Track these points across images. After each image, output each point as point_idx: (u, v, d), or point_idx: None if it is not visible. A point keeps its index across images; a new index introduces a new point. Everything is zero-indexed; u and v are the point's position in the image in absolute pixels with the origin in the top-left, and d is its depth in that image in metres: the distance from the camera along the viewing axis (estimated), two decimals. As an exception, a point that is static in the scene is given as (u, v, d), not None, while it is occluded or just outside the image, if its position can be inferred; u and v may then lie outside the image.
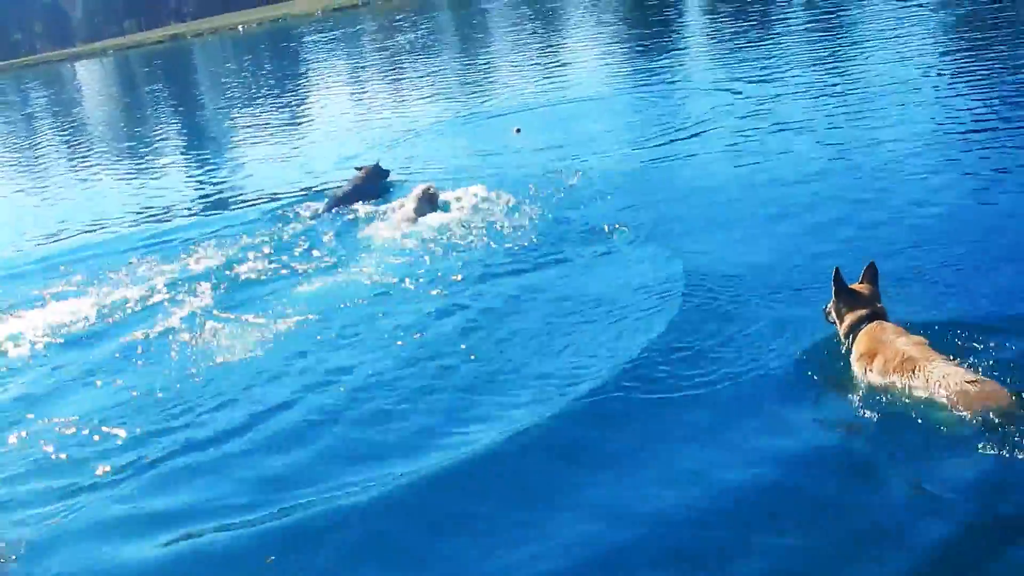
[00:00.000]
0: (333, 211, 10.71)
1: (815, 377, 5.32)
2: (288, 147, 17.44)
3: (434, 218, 9.52)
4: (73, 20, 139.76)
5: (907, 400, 4.66)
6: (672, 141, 11.68)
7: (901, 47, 15.15)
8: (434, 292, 7.58)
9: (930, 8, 19.37)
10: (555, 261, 7.87)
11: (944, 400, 4.50)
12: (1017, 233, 6.82)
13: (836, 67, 14.78)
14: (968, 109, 10.41)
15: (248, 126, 22.12)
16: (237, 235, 10.33)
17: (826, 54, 16.52)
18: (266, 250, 9.48)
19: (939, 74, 12.77)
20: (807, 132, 10.76)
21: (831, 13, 21.62)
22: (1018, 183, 7.80)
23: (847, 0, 23.07)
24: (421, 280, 7.89)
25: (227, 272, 8.93)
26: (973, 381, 4.50)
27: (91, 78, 65.04)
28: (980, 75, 11.99)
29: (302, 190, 12.52)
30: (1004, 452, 4.20)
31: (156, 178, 17.06)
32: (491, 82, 21.35)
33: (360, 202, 10.80)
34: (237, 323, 7.59)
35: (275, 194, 12.69)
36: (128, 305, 8.46)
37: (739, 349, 5.73)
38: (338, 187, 11.47)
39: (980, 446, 4.27)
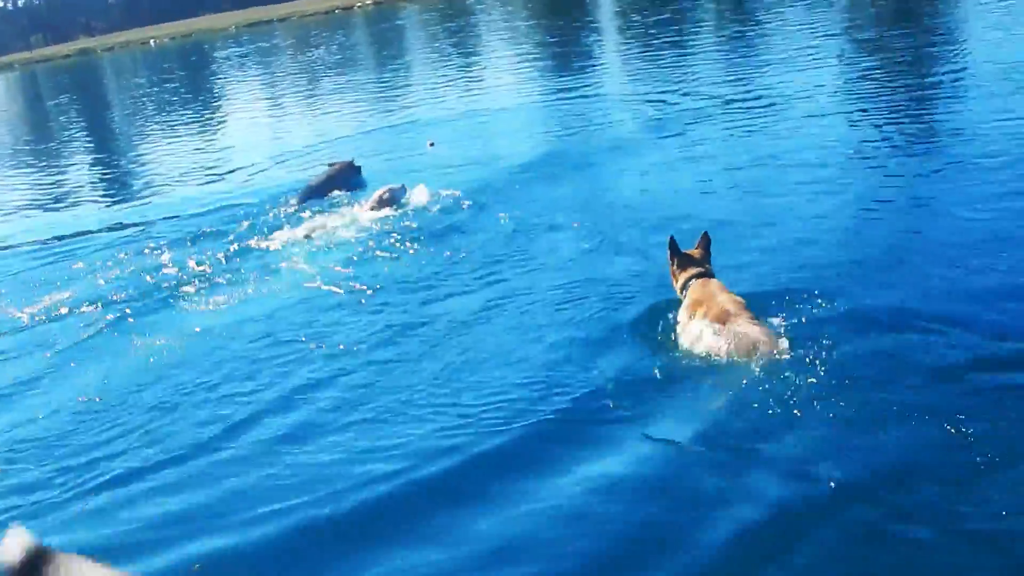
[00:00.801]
0: (305, 202, 10.93)
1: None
2: (193, 159, 17.49)
3: (384, 213, 9.83)
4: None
5: (719, 342, 5.37)
6: (583, 151, 12.13)
7: (808, 60, 16.04)
8: (368, 295, 7.55)
9: (836, 28, 20.42)
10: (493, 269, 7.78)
11: (737, 347, 5.29)
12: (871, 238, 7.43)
13: (741, 81, 15.33)
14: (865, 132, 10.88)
15: (152, 137, 22.29)
16: (144, 238, 10.71)
17: (733, 68, 17.14)
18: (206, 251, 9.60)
19: (837, 93, 13.25)
20: (709, 143, 11.31)
21: (741, 32, 22.54)
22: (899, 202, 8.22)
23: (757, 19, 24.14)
24: (356, 283, 7.87)
25: (147, 278, 8.98)
26: (763, 334, 5.34)
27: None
28: (881, 97, 12.54)
29: (201, 207, 12.18)
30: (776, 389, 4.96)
31: (55, 186, 17.15)
32: (405, 94, 21.68)
33: (332, 193, 11.11)
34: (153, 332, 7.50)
35: (175, 212, 12.37)
36: (58, 312, 8.44)
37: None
38: (311, 179, 11.73)
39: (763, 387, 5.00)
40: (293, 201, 11.03)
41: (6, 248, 11.94)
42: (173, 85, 40.12)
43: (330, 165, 11.95)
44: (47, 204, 15.57)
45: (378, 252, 8.69)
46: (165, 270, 9.11)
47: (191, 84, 39.10)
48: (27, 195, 17.04)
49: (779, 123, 11.61)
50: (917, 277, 6.43)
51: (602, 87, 17.34)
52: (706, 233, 6.29)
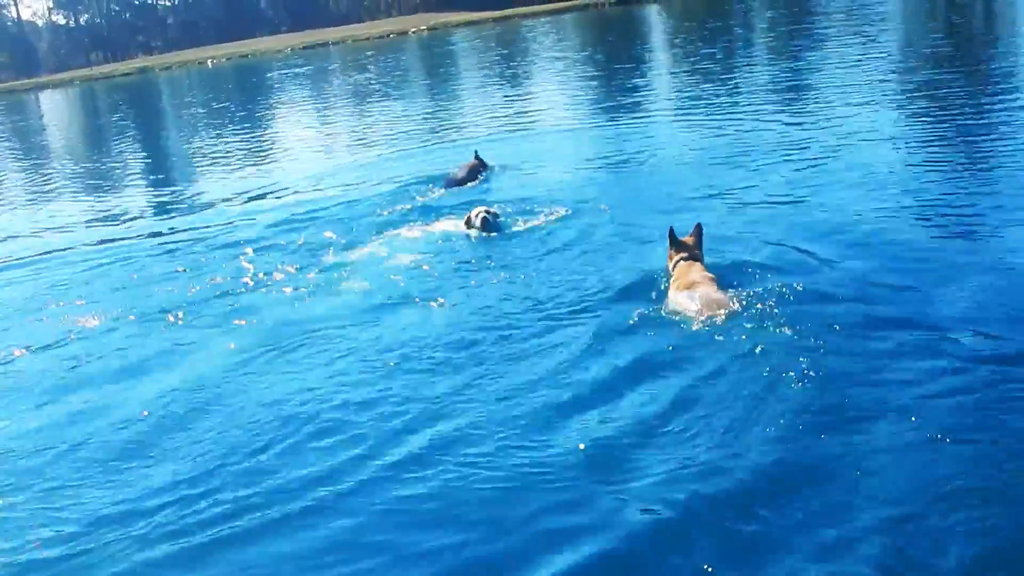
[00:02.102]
0: (451, 189, 12.72)
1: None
2: (249, 173, 18.44)
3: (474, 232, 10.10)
4: (39, 51, 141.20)
5: (685, 303, 7.06)
6: (616, 166, 13.46)
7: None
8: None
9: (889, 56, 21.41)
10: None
11: (695, 306, 6.97)
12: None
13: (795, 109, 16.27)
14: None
15: (210, 153, 23.52)
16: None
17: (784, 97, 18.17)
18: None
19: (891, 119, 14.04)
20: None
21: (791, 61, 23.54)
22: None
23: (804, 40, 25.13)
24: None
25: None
26: (716, 296, 7.02)
27: (55, 107, 66.42)
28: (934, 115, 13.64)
29: (272, 217, 12.86)
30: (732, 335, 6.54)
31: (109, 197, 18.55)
32: (458, 113, 23.01)
33: (469, 184, 12.83)
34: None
35: (229, 223, 13.08)
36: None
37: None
38: (455, 171, 13.27)
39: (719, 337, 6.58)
40: (438, 190, 12.75)
41: (128, 241, 12.96)
42: (228, 103, 41.72)
43: (477, 159, 13.41)
44: (169, 207, 16.73)
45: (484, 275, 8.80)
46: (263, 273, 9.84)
47: (247, 102, 40.74)
48: (138, 201, 18.34)
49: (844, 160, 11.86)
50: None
51: (653, 116, 17.99)
52: (699, 224, 7.93)
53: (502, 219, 10.14)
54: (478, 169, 13.29)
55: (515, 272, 8.72)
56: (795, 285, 7.10)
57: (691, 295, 7.03)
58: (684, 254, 7.67)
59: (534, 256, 9.18)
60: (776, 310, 6.72)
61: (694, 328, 6.70)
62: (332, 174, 16.03)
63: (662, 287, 7.64)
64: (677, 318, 6.97)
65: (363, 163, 16.97)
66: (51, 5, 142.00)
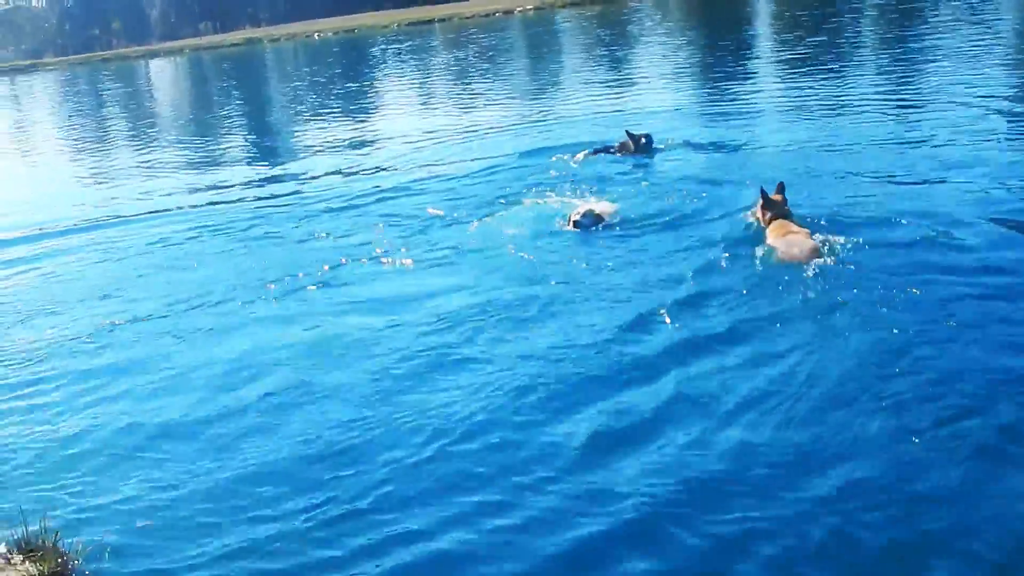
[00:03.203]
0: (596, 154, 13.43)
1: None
2: (355, 144, 19.10)
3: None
4: (150, 19, 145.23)
5: (787, 248, 8.01)
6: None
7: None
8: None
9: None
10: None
11: (793, 249, 7.95)
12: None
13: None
14: None
15: (315, 124, 24.25)
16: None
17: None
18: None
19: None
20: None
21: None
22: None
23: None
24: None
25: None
26: (809, 242, 7.99)
27: (164, 74, 68.51)
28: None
29: (373, 188, 13.42)
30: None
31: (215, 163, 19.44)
32: (561, 94, 23.25)
33: (620, 154, 13.22)
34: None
35: (340, 188, 13.77)
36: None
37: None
38: (615, 143, 13.57)
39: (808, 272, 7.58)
40: (580, 156, 13.43)
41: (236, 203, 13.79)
42: (334, 76, 42.62)
43: (628, 133, 13.42)
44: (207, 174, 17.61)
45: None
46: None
47: (353, 76, 41.47)
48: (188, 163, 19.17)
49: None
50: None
51: (755, 102, 17.92)
52: (781, 183, 8.93)
53: (609, 217, 9.92)
54: (627, 147, 13.34)
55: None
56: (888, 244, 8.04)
57: (791, 242, 8.00)
58: (775, 211, 8.61)
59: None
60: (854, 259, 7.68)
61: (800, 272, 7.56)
62: (439, 150, 16.37)
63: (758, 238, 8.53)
64: (776, 262, 7.93)
65: (479, 138, 17.26)
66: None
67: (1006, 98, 14.57)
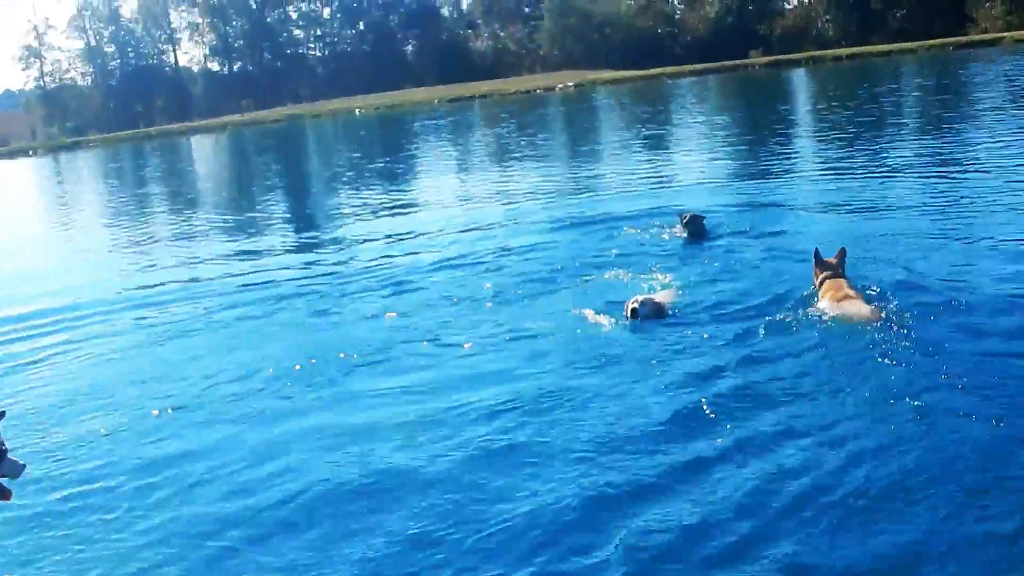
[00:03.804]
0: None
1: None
2: (389, 220, 18.88)
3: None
4: (192, 96, 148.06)
5: (834, 313, 8.25)
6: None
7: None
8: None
9: None
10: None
11: (852, 314, 8.10)
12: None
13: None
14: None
15: (356, 198, 24.36)
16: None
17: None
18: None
19: None
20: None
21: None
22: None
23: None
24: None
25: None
26: (864, 307, 8.15)
27: (205, 149, 69.37)
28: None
29: (420, 262, 13.22)
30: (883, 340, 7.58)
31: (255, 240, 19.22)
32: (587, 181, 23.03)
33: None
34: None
35: (386, 264, 13.48)
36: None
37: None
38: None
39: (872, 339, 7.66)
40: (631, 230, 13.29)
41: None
42: (374, 151, 42.99)
43: (680, 216, 12.82)
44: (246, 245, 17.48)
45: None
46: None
47: (394, 151, 41.69)
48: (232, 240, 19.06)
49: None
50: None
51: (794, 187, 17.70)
52: (842, 248, 9.04)
53: (669, 307, 9.28)
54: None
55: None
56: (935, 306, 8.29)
57: (846, 305, 8.17)
58: (829, 272, 8.79)
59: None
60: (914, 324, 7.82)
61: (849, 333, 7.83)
62: (487, 225, 16.11)
63: (811, 300, 8.73)
64: (832, 324, 8.11)
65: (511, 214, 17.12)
66: (207, 52, 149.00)
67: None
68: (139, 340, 10.69)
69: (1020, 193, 13.42)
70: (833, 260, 8.92)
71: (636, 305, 8.98)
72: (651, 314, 8.97)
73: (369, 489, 6.16)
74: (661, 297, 9.47)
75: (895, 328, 7.76)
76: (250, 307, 11.61)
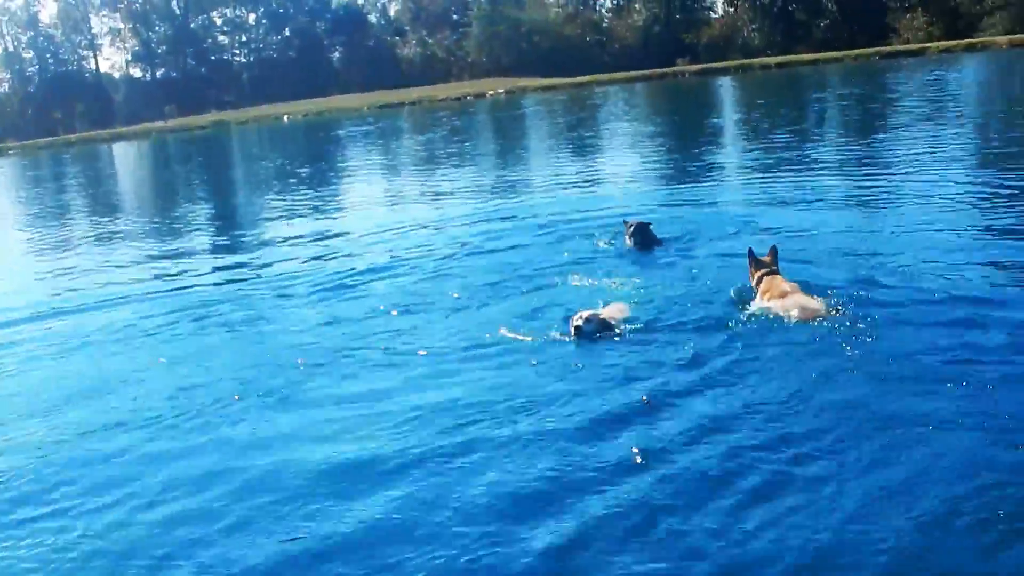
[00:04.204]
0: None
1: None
2: (321, 226, 18.35)
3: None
4: (114, 103, 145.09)
5: (772, 311, 8.31)
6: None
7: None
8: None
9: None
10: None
11: (799, 310, 8.16)
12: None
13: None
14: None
15: (279, 204, 23.69)
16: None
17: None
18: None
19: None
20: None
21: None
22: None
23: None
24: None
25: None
26: (809, 301, 8.28)
27: (127, 157, 67.72)
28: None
29: (348, 271, 12.63)
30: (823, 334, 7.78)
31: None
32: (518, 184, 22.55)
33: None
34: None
35: (313, 272, 12.84)
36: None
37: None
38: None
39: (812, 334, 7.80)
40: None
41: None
42: (303, 158, 42.30)
43: (625, 224, 12.27)
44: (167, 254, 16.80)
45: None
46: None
47: (323, 157, 41.25)
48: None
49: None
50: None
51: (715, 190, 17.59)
52: (774, 246, 9.23)
53: (617, 323, 8.59)
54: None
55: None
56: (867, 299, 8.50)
57: (788, 301, 8.25)
58: (765, 269, 8.94)
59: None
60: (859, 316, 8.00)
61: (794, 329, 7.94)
62: (416, 231, 15.72)
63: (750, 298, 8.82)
64: (776, 321, 8.13)
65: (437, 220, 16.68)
66: (129, 58, 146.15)
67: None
68: (63, 349, 10.04)
69: (948, 190, 14.12)
70: (767, 258, 9.12)
71: (580, 322, 8.30)
72: (598, 330, 8.33)
73: (320, 491, 5.94)
74: (609, 312, 8.80)
75: (843, 321, 7.92)
76: (180, 314, 11.05)
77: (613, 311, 8.86)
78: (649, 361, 7.69)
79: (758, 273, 8.95)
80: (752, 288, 8.94)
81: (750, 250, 9.24)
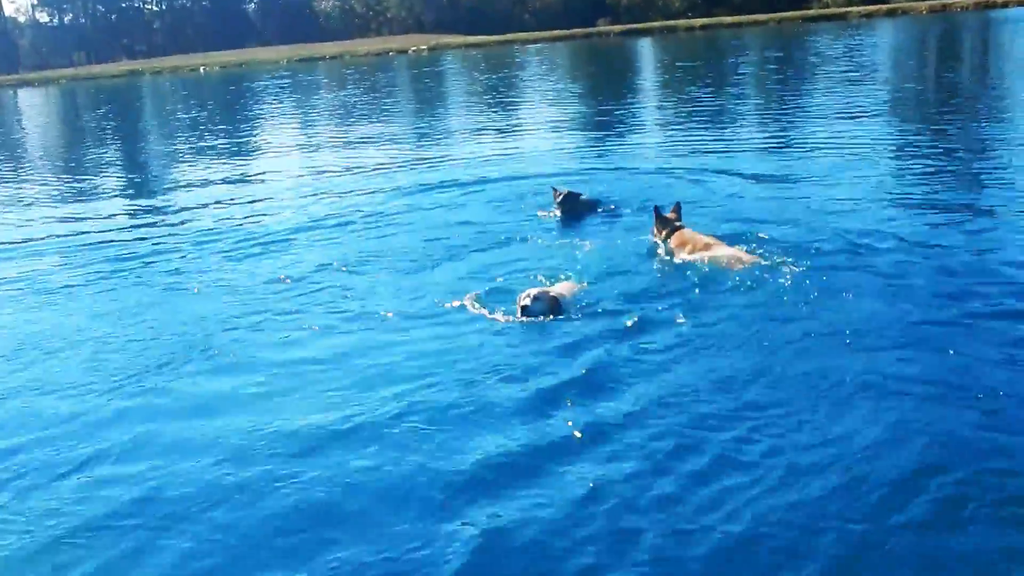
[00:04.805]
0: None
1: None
2: (231, 180, 17.93)
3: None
4: (19, 47, 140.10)
5: (706, 266, 8.44)
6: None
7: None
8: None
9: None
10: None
11: (726, 263, 8.34)
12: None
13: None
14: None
15: (191, 157, 23.07)
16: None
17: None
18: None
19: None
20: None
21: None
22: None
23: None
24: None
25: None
26: (740, 253, 8.49)
27: (34, 104, 65.29)
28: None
29: (268, 227, 12.19)
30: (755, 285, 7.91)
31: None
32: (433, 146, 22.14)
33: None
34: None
35: (228, 228, 12.38)
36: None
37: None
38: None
39: (748, 283, 7.90)
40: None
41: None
42: (216, 110, 41.20)
43: (554, 192, 11.57)
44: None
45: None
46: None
47: (237, 110, 40.16)
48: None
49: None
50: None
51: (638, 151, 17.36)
52: (678, 202, 9.70)
53: (568, 301, 7.87)
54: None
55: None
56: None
57: (718, 253, 8.50)
58: (673, 224, 9.23)
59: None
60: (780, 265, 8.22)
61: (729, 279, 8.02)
62: (338, 188, 15.22)
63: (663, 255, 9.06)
64: (711, 277, 8.19)
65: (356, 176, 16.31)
66: (35, 2, 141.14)
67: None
68: None
69: (866, 150, 14.53)
70: (671, 215, 9.43)
71: (528, 301, 7.57)
72: (546, 310, 7.61)
73: (278, 456, 5.59)
74: (559, 290, 8.04)
75: (772, 269, 8.12)
76: (104, 268, 10.57)
77: (562, 289, 8.13)
78: (593, 335, 7.19)
79: (664, 230, 9.25)
80: (657, 243, 9.32)
81: (656, 208, 9.55)
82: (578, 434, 5.53)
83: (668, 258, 8.97)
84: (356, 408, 6.11)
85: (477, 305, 7.98)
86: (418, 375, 6.58)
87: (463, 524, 4.74)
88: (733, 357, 6.50)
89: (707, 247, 8.66)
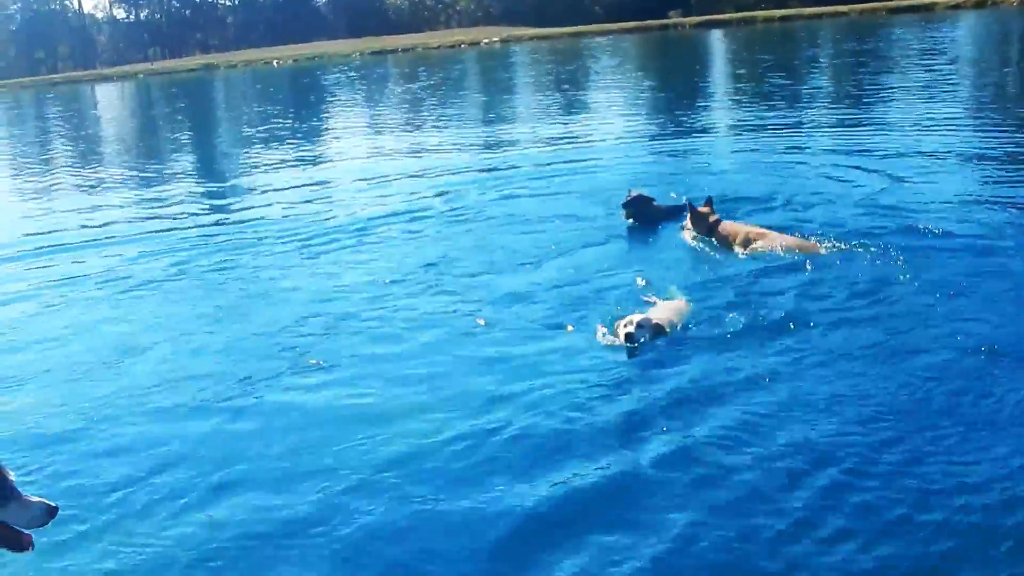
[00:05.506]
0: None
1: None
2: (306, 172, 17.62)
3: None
4: (97, 44, 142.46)
5: (765, 253, 8.68)
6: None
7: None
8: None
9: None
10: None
11: (784, 250, 8.60)
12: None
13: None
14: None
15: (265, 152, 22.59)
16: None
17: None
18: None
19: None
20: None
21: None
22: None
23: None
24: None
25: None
26: (798, 240, 8.78)
27: (115, 99, 65.94)
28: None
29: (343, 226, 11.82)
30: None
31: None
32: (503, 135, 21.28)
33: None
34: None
35: (309, 224, 12.09)
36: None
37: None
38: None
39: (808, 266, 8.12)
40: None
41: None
42: (294, 102, 41.01)
43: (629, 191, 10.78)
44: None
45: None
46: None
47: (314, 103, 39.91)
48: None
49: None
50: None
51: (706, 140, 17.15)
52: (710, 196, 9.73)
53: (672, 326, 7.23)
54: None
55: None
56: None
57: (775, 240, 8.76)
58: (712, 219, 9.41)
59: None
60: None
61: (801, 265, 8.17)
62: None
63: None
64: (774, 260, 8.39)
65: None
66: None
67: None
68: (51, 296, 9.38)
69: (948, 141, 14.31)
70: (705, 208, 9.57)
71: (632, 328, 7.01)
72: (650, 337, 7.03)
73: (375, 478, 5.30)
74: (663, 313, 7.42)
75: (840, 257, 8.31)
76: (178, 263, 10.42)
77: (664, 312, 7.48)
78: (701, 354, 6.75)
79: (703, 225, 9.47)
80: (696, 238, 9.54)
81: (690, 203, 9.72)
82: (684, 458, 5.25)
83: (733, 255, 8.92)
84: (456, 427, 5.79)
85: (576, 321, 7.58)
86: (515, 395, 6.21)
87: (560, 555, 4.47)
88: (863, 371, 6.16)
89: (759, 236, 8.90)
